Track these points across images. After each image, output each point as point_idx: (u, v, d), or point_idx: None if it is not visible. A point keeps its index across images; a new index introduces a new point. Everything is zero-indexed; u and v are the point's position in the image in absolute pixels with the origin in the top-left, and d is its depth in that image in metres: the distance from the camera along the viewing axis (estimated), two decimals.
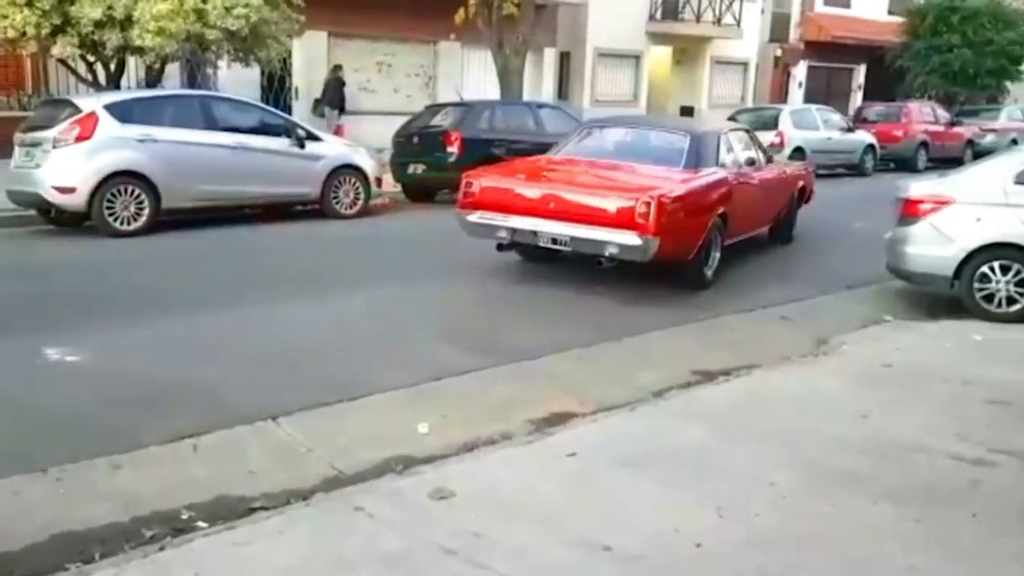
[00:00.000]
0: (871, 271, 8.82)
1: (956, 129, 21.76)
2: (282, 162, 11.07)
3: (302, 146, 11.24)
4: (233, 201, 11.00)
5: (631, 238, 7.29)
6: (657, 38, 23.90)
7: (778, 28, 27.28)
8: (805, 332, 7.11)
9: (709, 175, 8.32)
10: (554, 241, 7.71)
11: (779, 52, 26.98)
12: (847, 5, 29.83)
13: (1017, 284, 7.19)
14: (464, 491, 3.87)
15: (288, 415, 4.82)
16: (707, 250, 8.24)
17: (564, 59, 22.44)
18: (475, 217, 8.05)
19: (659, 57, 24.81)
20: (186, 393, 5.17)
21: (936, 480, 4.10)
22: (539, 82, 20.99)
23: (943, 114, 22.17)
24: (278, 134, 11.19)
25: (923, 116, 21.36)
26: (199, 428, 4.55)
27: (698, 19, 23.51)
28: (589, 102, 22.24)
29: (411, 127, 14.08)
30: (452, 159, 12.96)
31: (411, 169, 13.57)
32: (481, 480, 4.06)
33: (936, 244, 7.44)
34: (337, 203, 11.68)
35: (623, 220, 7.32)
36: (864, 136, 19.40)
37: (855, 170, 19.21)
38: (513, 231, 7.88)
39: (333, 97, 18.06)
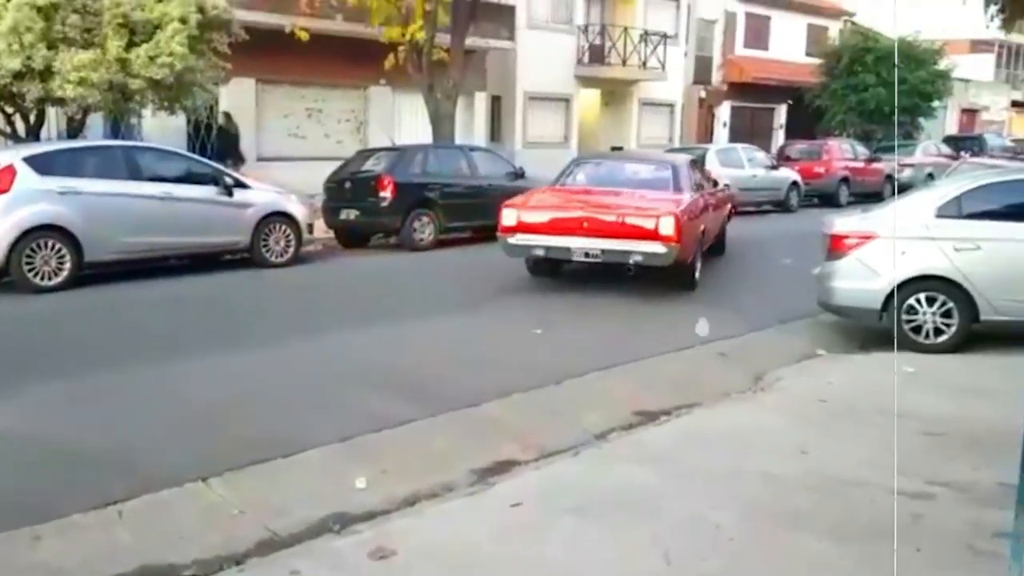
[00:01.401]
0: (802, 306, 8.95)
1: (875, 165, 22.47)
2: (209, 211, 10.85)
3: (230, 194, 11.04)
4: (159, 252, 10.72)
5: (656, 247, 9.10)
6: (585, 81, 24.29)
7: (701, 70, 27.99)
8: (742, 368, 7.17)
9: (693, 196, 10.16)
10: (586, 255, 9.40)
11: (703, 94, 27.66)
12: (766, 47, 30.80)
13: (943, 315, 7.36)
14: (405, 549, 3.74)
15: (218, 475, 4.64)
16: (696, 257, 9.97)
17: (495, 103, 22.63)
18: (514, 240, 9.63)
19: (588, 99, 25.20)
20: (110, 455, 4.94)
21: (878, 515, 4.11)
22: (471, 125, 21.10)
23: (862, 151, 22.90)
24: (205, 182, 10.99)
25: (843, 153, 22.03)
26: (124, 493, 4.34)
27: (624, 62, 23.98)
28: (521, 144, 22.43)
29: (343, 172, 13.96)
30: (385, 204, 12.88)
31: (344, 215, 13.43)
32: (423, 537, 3.94)
33: (863, 278, 7.59)
34: (268, 251, 11.47)
35: (648, 233, 9.11)
36: (788, 173, 19.91)
37: (780, 206, 19.66)
38: (547, 248, 9.50)
39: (224, 147, 16.92)
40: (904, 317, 7.44)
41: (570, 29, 23.83)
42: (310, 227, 12.04)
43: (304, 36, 15.59)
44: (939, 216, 7.48)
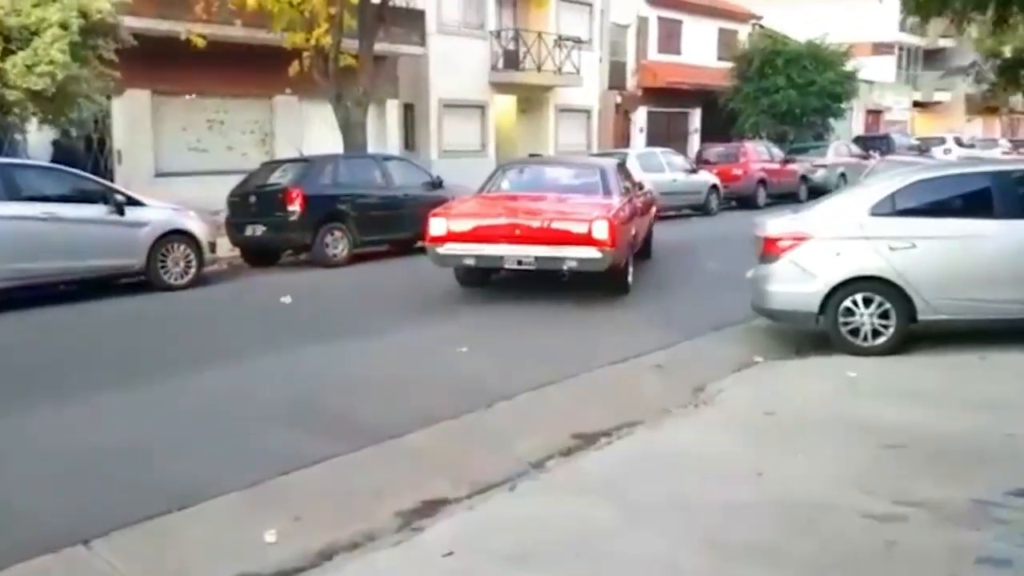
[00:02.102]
0: (734, 311, 8.69)
1: (790, 166, 22.65)
2: (99, 231, 10.00)
3: (122, 212, 10.19)
4: (44, 278, 9.82)
5: (591, 252, 8.90)
6: (501, 87, 23.89)
7: (616, 76, 27.90)
8: (680, 380, 6.79)
9: (623, 200, 9.99)
10: (519, 262, 9.11)
11: (619, 99, 27.56)
12: (679, 52, 30.97)
13: (881, 316, 7.10)
14: None
15: (104, 536, 4.02)
16: (628, 262, 9.86)
17: (408, 111, 22.02)
18: (444, 249, 9.27)
19: (504, 106, 24.81)
20: None
21: (851, 545, 3.72)
22: (384, 135, 20.42)
23: (778, 152, 23.06)
24: (94, 201, 10.13)
25: (760, 155, 22.13)
26: None
27: (539, 68, 23.65)
28: (437, 153, 21.85)
29: (248, 186, 13.18)
30: (294, 218, 12.18)
31: (249, 231, 12.65)
32: None
33: (798, 281, 7.30)
34: (166, 273, 10.66)
35: (582, 238, 8.91)
36: (707, 176, 19.85)
37: (701, 210, 19.56)
38: (478, 257, 9.19)
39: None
40: (841, 320, 7.17)
41: (483, 34, 23.40)
42: (212, 245, 11.26)
43: (200, 43, 14.74)
44: (873, 215, 7.23)
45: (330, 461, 5.02)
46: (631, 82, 28.94)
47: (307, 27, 15.44)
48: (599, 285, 9.75)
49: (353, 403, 6.18)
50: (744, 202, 21.10)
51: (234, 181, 13.73)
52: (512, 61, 23.45)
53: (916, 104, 47.36)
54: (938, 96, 49.74)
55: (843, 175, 24.25)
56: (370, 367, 7.16)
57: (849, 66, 28.20)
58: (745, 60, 28.17)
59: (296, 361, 7.32)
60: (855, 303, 7.13)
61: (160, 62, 15.61)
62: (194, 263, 10.88)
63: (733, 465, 4.74)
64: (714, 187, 19.83)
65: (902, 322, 7.05)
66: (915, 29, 46.20)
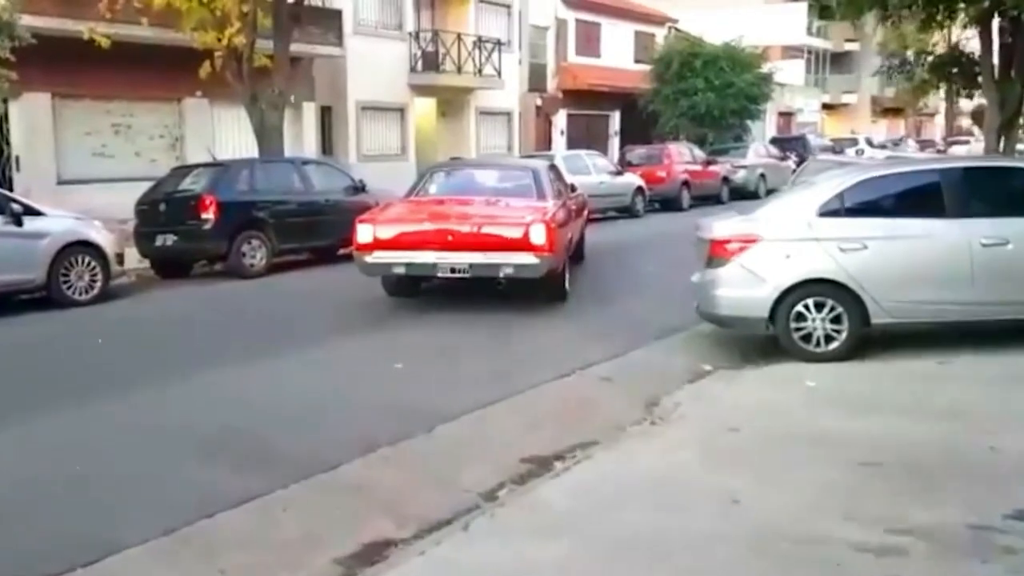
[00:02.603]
0: (676, 317, 8.43)
1: (712, 168, 22.67)
2: None
3: (19, 223, 9.33)
4: None
5: (528, 258, 8.50)
6: (420, 90, 23.32)
7: (536, 78, 27.63)
8: (631, 394, 6.44)
9: (558, 203, 9.64)
10: (452, 270, 8.64)
11: (539, 101, 27.29)
12: (598, 55, 30.89)
13: (833, 321, 6.86)
14: None
15: None
16: (565, 267, 9.47)
17: (325, 113, 21.26)
18: (372, 258, 8.77)
19: (424, 109, 24.25)
20: None
21: None
22: (300, 138, 19.62)
23: (700, 154, 23.06)
24: None
25: (683, 157, 22.06)
26: None
27: (459, 70, 23.17)
28: (356, 157, 21.11)
29: (157, 193, 12.34)
30: (208, 226, 11.40)
31: (159, 241, 11.81)
32: None
33: (748, 285, 7.01)
34: (69, 288, 9.79)
35: (519, 244, 8.51)
36: (632, 179, 19.67)
37: (627, 212, 19.36)
38: (409, 265, 8.69)
39: None
40: (792, 325, 6.90)
41: (401, 36, 22.78)
42: (119, 257, 10.42)
43: (104, 43, 13.79)
44: (822, 215, 7.00)
45: (257, 500, 4.50)
46: (551, 84, 28.71)
47: (218, 26, 14.61)
48: (535, 292, 9.33)
49: (278, 430, 5.62)
50: (668, 204, 21.02)
51: (143, 188, 12.87)
52: (431, 63, 22.90)
53: (825, 106, 48.57)
54: (845, 98, 51.23)
55: (763, 176, 24.49)
56: (295, 388, 6.57)
57: (765, 68, 28.55)
58: (663, 62, 28.21)
59: (213, 384, 6.69)
60: (807, 307, 6.88)
61: (61, 63, 14.63)
62: (100, 277, 10.03)
63: (704, 492, 4.36)
64: (639, 189, 19.66)
65: (855, 326, 6.83)
66: (822, 33, 47.65)
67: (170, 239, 11.66)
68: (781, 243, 6.99)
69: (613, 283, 11.01)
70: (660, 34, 33.34)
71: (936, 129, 56.69)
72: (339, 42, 19.99)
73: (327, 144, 21.36)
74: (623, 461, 4.94)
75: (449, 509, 4.40)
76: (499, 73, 24.50)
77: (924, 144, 44.06)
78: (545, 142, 27.96)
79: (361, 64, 21.07)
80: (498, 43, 24.42)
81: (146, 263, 12.26)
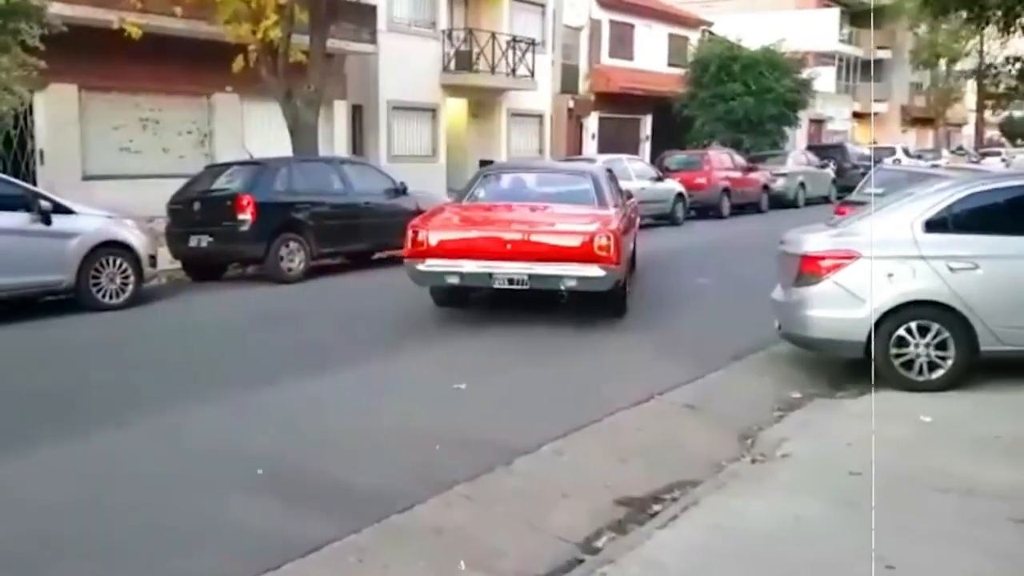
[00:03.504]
0: (744, 335, 7.92)
1: (752, 175, 21.97)
2: (19, 243, 8.60)
3: (48, 221, 8.78)
4: None
5: (593, 270, 7.93)
6: (452, 90, 22.77)
7: (568, 80, 27.03)
8: (720, 424, 5.89)
9: (620, 210, 9.09)
10: (510, 281, 8.07)
11: (572, 104, 26.70)
12: (631, 57, 30.26)
13: (938, 347, 6.23)
14: None
15: None
16: (627, 279, 8.99)
17: (356, 113, 20.73)
18: (425, 266, 8.21)
19: (455, 110, 23.70)
20: None
21: None
22: (331, 138, 19.08)
23: (740, 160, 22.36)
24: (14, 207, 8.71)
25: (723, 163, 21.37)
26: None
27: (493, 70, 22.61)
28: (386, 158, 20.57)
29: (190, 191, 11.79)
30: (245, 228, 10.82)
31: (193, 242, 11.24)
32: None
33: (844, 306, 6.39)
34: (99, 291, 9.23)
35: (584, 254, 7.95)
36: (673, 185, 18.99)
37: (666, 220, 18.69)
38: (464, 275, 8.13)
39: None
40: (893, 350, 6.28)
41: (434, 33, 22.26)
42: (152, 259, 9.86)
43: (136, 33, 13.30)
44: (928, 231, 6.37)
45: (325, 549, 3.92)
46: (583, 86, 28.10)
47: (253, 19, 14.09)
48: (593, 306, 8.72)
49: (335, 460, 5.05)
50: (704, 212, 20.37)
51: (169, 186, 12.35)
52: (465, 62, 22.35)
53: (855, 115, 47.77)
54: (875, 107, 50.34)
55: (802, 184, 23.82)
56: (348, 410, 5.99)
57: (804, 74, 27.86)
58: (700, 65, 27.54)
59: (259, 403, 6.10)
60: (909, 331, 6.25)
61: (89, 54, 14.14)
62: (132, 279, 9.46)
63: (846, 550, 3.75)
64: (680, 196, 19.00)
65: (962, 354, 6.19)
66: (853, 40, 46.89)
67: (205, 240, 11.09)
68: (882, 260, 6.34)
69: (667, 297, 10.38)
70: (694, 37, 32.66)
71: (964, 140, 55.80)
72: (372, 39, 19.45)
73: (357, 144, 20.84)
74: (735, 510, 4.33)
75: (546, 562, 3.88)
76: (532, 74, 23.93)
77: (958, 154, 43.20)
78: (575, 146, 27.36)
79: (393, 62, 20.54)
80: (532, 43, 23.85)
81: (177, 264, 11.72)
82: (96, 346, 8.12)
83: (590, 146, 27.90)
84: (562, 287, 8.16)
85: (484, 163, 24.00)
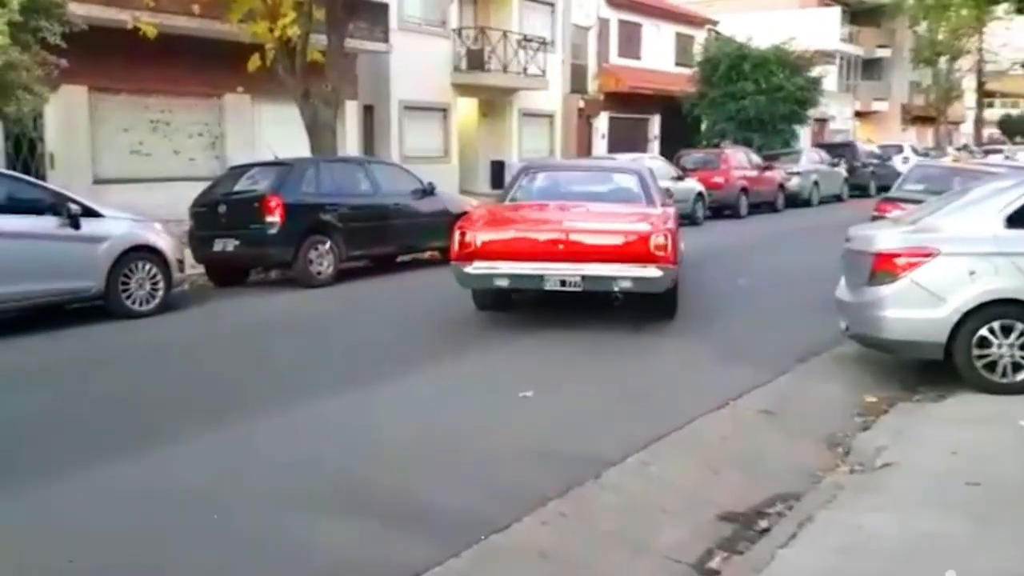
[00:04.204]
0: (804, 336, 7.70)
1: (768, 173, 21.71)
2: (48, 249, 8.25)
3: (76, 226, 8.42)
4: None
5: (650, 271, 7.64)
6: (463, 89, 22.47)
7: (577, 79, 26.74)
8: (803, 432, 5.65)
9: (667, 209, 8.84)
10: (563, 283, 7.75)
11: (581, 103, 26.41)
12: (638, 56, 30.01)
13: (1022, 347, 5.97)
14: None
15: None
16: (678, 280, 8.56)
17: (367, 113, 20.41)
18: (472, 268, 7.93)
19: (466, 110, 23.41)
20: None
21: None
22: (343, 138, 18.70)
23: (756, 159, 22.09)
24: (40, 211, 8.37)
25: (740, 162, 21.07)
26: None
27: (504, 69, 22.32)
28: (398, 158, 20.21)
29: (214, 193, 11.42)
30: (273, 230, 10.45)
31: (219, 246, 10.86)
32: None
33: (922, 305, 6.13)
34: (129, 297, 8.88)
35: (639, 254, 7.65)
36: (694, 184, 18.69)
37: (688, 219, 18.36)
38: (513, 277, 7.85)
39: None
40: (975, 351, 6.02)
41: (445, 32, 21.97)
42: (180, 263, 9.52)
43: (151, 32, 12.95)
44: (1010, 226, 6.11)
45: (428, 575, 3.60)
46: (592, 86, 27.82)
47: (270, 17, 13.76)
48: (643, 308, 8.44)
49: (414, 476, 4.72)
50: (721, 211, 20.08)
51: (181, 188, 12.03)
52: (476, 61, 22.06)
53: (857, 114, 47.59)
54: (876, 106, 50.21)
55: (816, 183, 23.59)
56: (420, 419, 5.67)
57: (815, 71, 27.63)
58: (710, 64, 27.29)
59: (323, 414, 5.78)
60: (992, 331, 5.99)
61: (99, 55, 13.74)
62: (161, 285, 9.12)
63: (996, 574, 3.47)
64: (700, 195, 18.73)
65: None
66: (853, 39, 46.72)
67: (231, 244, 10.72)
68: (963, 257, 6.10)
69: (711, 298, 10.08)
70: (700, 37, 32.40)
71: (963, 138, 55.74)
72: (385, 37, 19.14)
73: (368, 145, 20.51)
74: (855, 527, 4.04)
75: None
76: (544, 73, 23.64)
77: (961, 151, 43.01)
78: (585, 146, 27.08)
79: (404, 62, 20.22)
80: (543, 42, 23.57)
81: (199, 269, 11.38)
82: (135, 356, 7.74)
83: (600, 146, 27.63)
84: (616, 288, 7.88)
85: (496, 164, 23.81)
